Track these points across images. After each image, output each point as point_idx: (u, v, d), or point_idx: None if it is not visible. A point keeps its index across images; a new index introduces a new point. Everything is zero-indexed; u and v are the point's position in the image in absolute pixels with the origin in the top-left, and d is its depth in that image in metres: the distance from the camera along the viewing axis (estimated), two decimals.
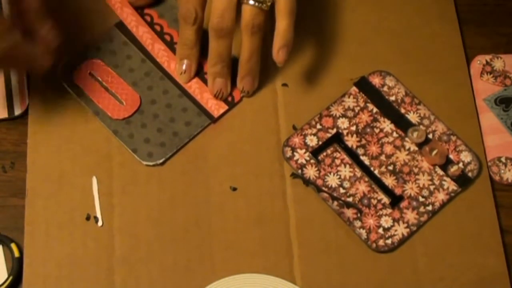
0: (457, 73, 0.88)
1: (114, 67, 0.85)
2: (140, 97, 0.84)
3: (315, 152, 0.83)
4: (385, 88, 0.86)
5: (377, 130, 0.84)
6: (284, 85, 0.86)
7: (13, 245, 0.77)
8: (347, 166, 0.82)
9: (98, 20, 0.88)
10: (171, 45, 0.86)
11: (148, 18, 0.88)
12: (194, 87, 0.85)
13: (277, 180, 0.82)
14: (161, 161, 0.81)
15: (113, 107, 0.83)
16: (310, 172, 0.82)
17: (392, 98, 0.85)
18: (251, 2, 0.79)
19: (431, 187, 0.82)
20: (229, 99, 0.85)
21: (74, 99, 0.84)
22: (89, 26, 0.88)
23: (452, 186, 0.82)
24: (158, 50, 0.86)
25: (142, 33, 0.87)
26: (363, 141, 0.83)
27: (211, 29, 0.80)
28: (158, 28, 0.87)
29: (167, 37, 0.87)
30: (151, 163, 0.81)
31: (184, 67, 0.85)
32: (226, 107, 0.84)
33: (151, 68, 0.85)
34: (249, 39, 0.80)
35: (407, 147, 0.83)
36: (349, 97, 0.85)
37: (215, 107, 0.84)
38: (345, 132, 0.84)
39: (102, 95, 0.84)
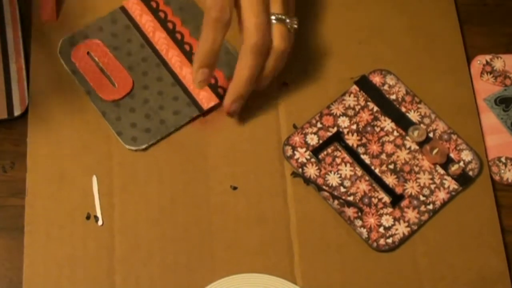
0: (458, 73, 0.88)
1: (113, 49, 0.86)
2: (133, 82, 0.84)
3: (316, 151, 0.83)
4: (386, 87, 0.86)
5: (377, 129, 0.84)
6: (284, 84, 0.86)
7: None
8: (348, 165, 0.82)
9: (102, 2, 0.89)
10: (172, 34, 0.87)
11: (154, 4, 0.88)
12: (188, 77, 0.85)
13: (278, 179, 0.82)
14: (143, 146, 0.82)
15: (105, 88, 0.84)
16: (311, 171, 0.82)
17: (393, 96, 0.85)
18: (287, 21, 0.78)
19: (432, 186, 0.82)
20: (221, 91, 0.85)
21: (75, 95, 0.84)
22: (92, 7, 0.88)
23: (453, 185, 0.82)
24: (159, 38, 0.86)
25: (146, 21, 0.87)
26: (364, 140, 0.83)
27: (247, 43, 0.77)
28: (162, 15, 0.87)
29: (170, 25, 0.87)
30: (133, 148, 0.82)
31: (204, 76, 0.80)
32: (217, 101, 0.84)
33: (149, 54, 0.86)
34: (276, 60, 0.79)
35: (407, 146, 0.83)
36: (349, 95, 0.85)
37: (206, 100, 0.84)
38: (345, 131, 0.84)
39: (96, 75, 0.84)
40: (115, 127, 0.82)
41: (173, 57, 0.86)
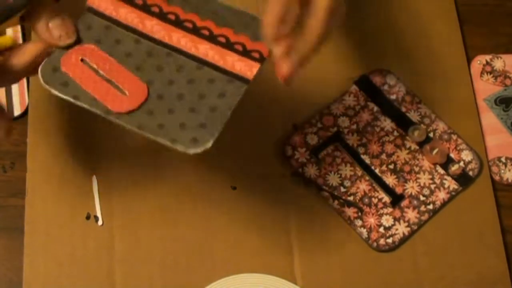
0: (458, 73, 0.88)
1: (109, 55, 0.72)
2: (147, 85, 0.71)
3: (316, 151, 0.83)
4: (386, 87, 0.86)
5: (377, 129, 0.84)
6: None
7: None
8: (348, 165, 0.82)
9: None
10: (163, 17, 0.74)
11: None
12: (211, 53, 0.73)
13: (278, 179, 0.82)
14: (209, 144, 0.69)
15: (115, 99, 0.70)
16: (311, 171, 0.82)
17: (393, 96, 0.85)
18: None
19: (432, 186, 0.82)
20: (257, 55, 0.73)
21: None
22: None
23: (453, 185, 0.82)
24: (151, 26, 0.73)
25: (124, 13, 0.74)
26: (364, 140, 0.83)
27: None
28: (140, 2, 0.74)
29: (155, 9, 0.74)
30: (199, 150, 0.69)
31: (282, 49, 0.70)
32: (258, 65, 0.72)
33: (152, 47, 0.73)
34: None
35: (407, 146, 0.83)
36: (349, 95, 0.85)
37: (245, 69, 0.72)
38: (345, 131, 0.84)
39: (98, 85, 0.70)
40: (164, 136, 0.69)
41: (180, 39, 0.73)
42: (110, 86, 0.71)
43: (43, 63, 0.71)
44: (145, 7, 0.74)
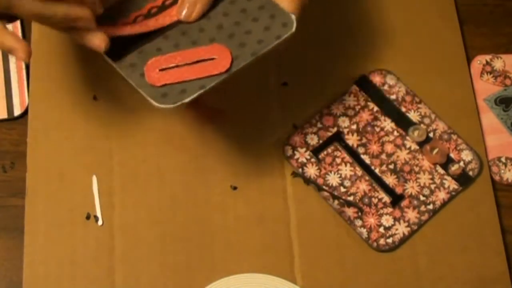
0: (458, 73, 0.88)
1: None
2: (226, 45, 0.72)
3: (316, 151, 0.83)
4: (386, 87, 0.86)
5: (377, 129, 0.84)
6: (284, 84, 0.86)
7: None
8: (348, 165, 0.82)
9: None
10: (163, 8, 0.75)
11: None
12: None
13: (278, 179, 0.82)
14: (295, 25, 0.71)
15: (212, 67, 0.71)
16: (311, 171, 0.82)
17: (393, 96, 0.85)
18: None
19: (432, 186, 0.82)
20: None
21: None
22: None
23: (453, 185, 0.82)
24: (163, 18, 0.74)
25: (128, 31, 0.73)
26: (364, 140, 0.83)
27: None
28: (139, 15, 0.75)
29: (154, 10, 0.75)
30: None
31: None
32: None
33: (179, 28, 0.74)
34: None
35: (407, 146, 0.83)
36: (349, 95, 0.85)
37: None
38: (345, 131, 0.84)
39: (192, 69, 0.71)
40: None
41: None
42: (199, 64, 0.71)
43: (151, 100, 0.70)
44: (147, 15, 0.75)
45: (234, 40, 0.73)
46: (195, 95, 0.69)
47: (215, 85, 0.70)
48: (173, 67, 0.72)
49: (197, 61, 0.72)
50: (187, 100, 0.70)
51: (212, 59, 0.72)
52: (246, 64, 0.71)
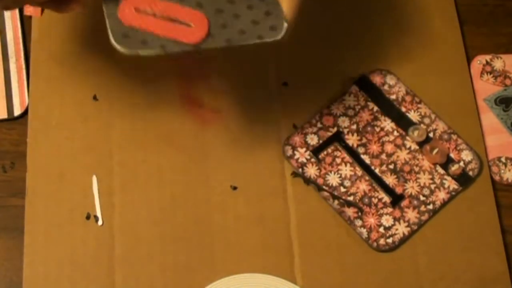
0: (458, 73, 0.88)
1: None
2: (206, 15, 0.70)
3: (316, 151, 0.83)
4: (386, 87, 0.86)
5: (377, 129, 0.84)
6: (284, 84, 0.86)
7: None
8: (348, 165, 0.82)
9: None
10: None
11: None
12: None
13: (278, 179, 0.82)
14: (285, 24, 0.70)
15: (184, 33, 0.69)
16: (311, 171, 0.82)
17: (393, 96, 0.85)
18: None
19: (432, 186, 0.82)
20: None
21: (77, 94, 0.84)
22: None
23: (453, 185, 0.82)
24: None
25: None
26: (364, 140, 0.83)
27: None
28: None
29: None
30: (281, 35, 0.70)
31: None
32: None
33: None
34: None
35: (407, 146, 0.83)
36: (349, 95, 0.85)
37: None
38: (345, 131, 0.84)
39: (164, 25, 0.69)
40: (250, 38, 0.69)
41: None
42: (174, 25, 0.69)
43: (110, 33, 0.68)
44: None
45: (219, 17, 0.70)
46: (151, 53, 0.67)
47: (175, 53, 0.67)
48: (148, 14, 0.69)
49: (174, 20, 0.69)
50: (142, 53, 0.67)
51: (189, 25, 0.69)
52: (216, 48, 0.68)
